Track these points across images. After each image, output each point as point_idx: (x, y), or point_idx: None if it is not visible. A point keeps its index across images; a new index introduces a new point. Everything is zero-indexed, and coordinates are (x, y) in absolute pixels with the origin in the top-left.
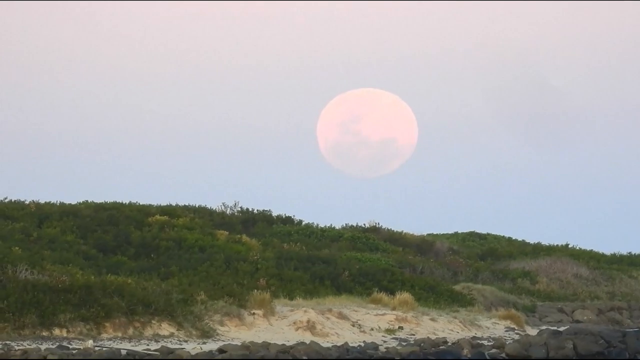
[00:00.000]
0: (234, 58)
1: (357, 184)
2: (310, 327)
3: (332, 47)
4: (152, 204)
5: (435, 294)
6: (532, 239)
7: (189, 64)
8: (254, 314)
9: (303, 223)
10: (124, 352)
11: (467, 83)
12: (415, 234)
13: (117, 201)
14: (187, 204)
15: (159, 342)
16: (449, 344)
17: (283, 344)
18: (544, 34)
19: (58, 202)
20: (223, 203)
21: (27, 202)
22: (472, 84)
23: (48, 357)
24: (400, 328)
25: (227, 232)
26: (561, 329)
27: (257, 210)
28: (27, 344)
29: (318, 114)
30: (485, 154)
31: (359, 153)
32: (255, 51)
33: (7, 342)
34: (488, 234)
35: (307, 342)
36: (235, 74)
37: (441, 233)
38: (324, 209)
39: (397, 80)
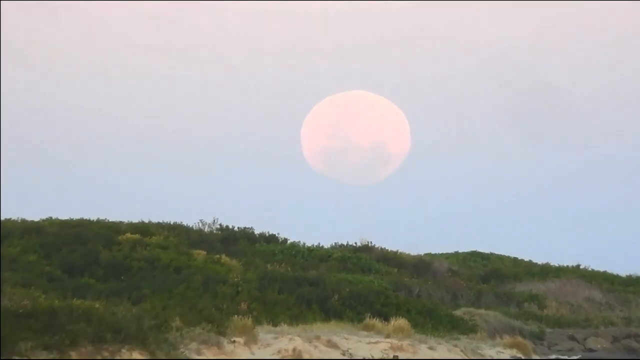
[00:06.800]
0: (214, 58)
1: (344, 193)
2: (297, 356)
3: (319, 46)
4: (123, 220)
5: (434, 320)
6: (539, 259)
7: (165, 68)
8: (234, 341)
9: (288, 242)
10: None
11: (464, 85)
12: (411, 253)
13: (85, 218)
14: (161, 221)
15: None
16: None
17: None
18: (544, 33)
19: (19, 218)
20: (200, 220)
21: None
22: (470, 86)
23: None
24: (396, 357)
25: (205, 252)
26: (572, 358)
27: (238, 227)
28: None
29: (303, 118)
30: (486, 163)
31: (347, 160)
32: (236, 50)
33: None
34: (491, 254)
35: None
36: (213, 73)
37: (440, 252)
38: (308, 220)
39: (388, 82)
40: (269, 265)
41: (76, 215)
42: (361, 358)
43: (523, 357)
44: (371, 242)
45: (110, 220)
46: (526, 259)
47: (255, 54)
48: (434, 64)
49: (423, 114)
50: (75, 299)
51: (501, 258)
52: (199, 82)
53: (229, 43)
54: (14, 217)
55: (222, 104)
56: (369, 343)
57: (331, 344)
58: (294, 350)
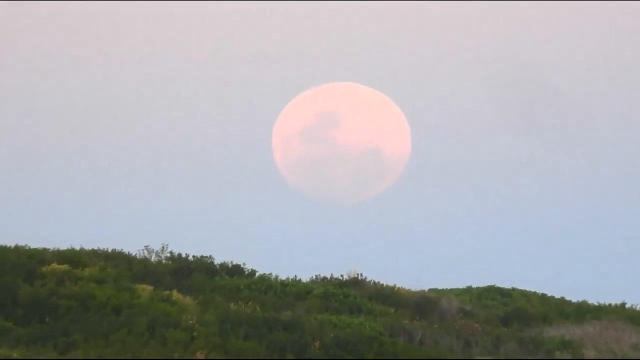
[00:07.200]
0: (170, 45)
1: (327, 212)
2: None
3: (296, 28)
4: (48, 247)
5: None
6: (574, 296)
7: (112, 64)
8: None
9: (257, 274)
10: None
11: (472, 78)
12: (413, 288)
13: None
14: (95, 248)
15: None
16: None
17: None
18: (545, 33)
19: None
20: (146, 247)
21: None
22: (478, 79)
23: None
24: None
25: (152, 287)
26: None
27: (194, 256)
28: None
29: (275, 116)
30: (503, 172)
31: (331, 170)
32: (192, 34)
33: None
34: (513, 289)
35: None
36: (165, 63)
37: (449, 288)
38: (282, 247)
39: (383, 73)
40: (232, 304)
41: None
42: None
43: None
44: (361, 275)
45: (31, 247)
46: (557, 296)
47: (217, 37)
48: (434, 53)
49: (425, 112)
50: None
51: (526, 295)
52: (148, 69)
53: (188, 24)
54: None
55: (176, 100)
56: None
57: None
58: None
